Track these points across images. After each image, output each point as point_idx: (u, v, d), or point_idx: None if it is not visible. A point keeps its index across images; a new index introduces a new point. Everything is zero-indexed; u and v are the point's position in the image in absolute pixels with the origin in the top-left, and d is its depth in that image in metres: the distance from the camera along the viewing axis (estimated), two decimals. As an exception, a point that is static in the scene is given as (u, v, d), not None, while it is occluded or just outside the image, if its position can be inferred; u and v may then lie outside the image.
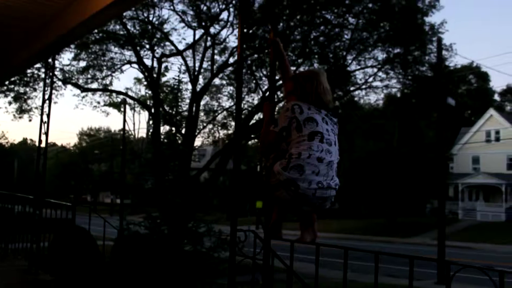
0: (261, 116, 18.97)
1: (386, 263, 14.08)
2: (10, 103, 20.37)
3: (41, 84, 17.33)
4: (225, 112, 22.79)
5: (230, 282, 3.48)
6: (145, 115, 71.09)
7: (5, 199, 8.33)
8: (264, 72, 18.25)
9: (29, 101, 20.47)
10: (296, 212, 2.84)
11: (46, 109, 6.35)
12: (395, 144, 34.56)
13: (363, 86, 20.24)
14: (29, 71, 18.12)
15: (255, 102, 20.07)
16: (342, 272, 2.99)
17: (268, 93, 3.63)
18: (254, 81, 18.84)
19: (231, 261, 3.41)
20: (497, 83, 79.64)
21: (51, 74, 6.77)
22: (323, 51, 17.91)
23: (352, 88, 19.79)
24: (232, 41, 19.74)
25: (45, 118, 6.27)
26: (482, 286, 2.50)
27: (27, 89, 19.96)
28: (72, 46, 17.71)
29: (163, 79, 23.60)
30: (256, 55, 17.64)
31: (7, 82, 18.49)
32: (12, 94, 20.11)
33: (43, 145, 6.30)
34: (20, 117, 20.98)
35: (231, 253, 3.40)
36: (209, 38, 18.80)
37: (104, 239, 6.72)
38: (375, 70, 19.49)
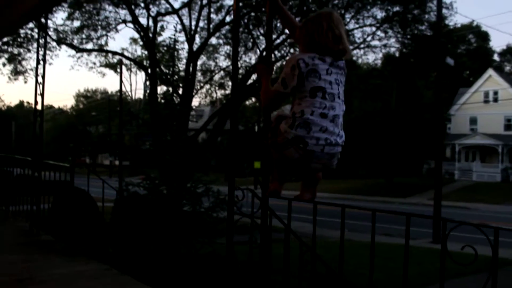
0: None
1: (382, 222, 14.31)
2: (4, 64, 20.16)
3: (35, 44, 17.07)
4: (222, 72, 22.61)
5: (228, 241, 3.52)
6: (141, 75, 70.62)
7: (3, 161, 8.35)
8: (261, 31, 17.98)
9: (23, 63, 20.24)
10: (303, 171, 2.80)
11: (40, 70, 6.27)
12: (392, 104, 34.50)
13: (362, 46, 20.00)
14: (22, 31, 17.82)
15: (252, 61, 19.88)
16: (340, 231, 3.02)
17: (265, 52, 3.56)
18: (251, 40, 18.59)
19: (229, 220, 3.44)
20: (497, 43, 78.81)
21: (44, 34, 6.65)
22: (320, 9, 17.57)
23: (350, 47, 19.53)
24: (229, -1, 19.34)
25: (40, 79, 6.20)
26: (477, 245, 2.55)
27: (21, 50, 19.68)
28: (65, 5, 17.35)
29: (159, 38, 23.27)
30: (253, 14, 17.33)
31: (0, 43, 18.23)
32: (6, 56, 19.85)
33: (39, 106, 6.26)
34: (15, 79, 20.81)
35: (229, 212, 3.43)
36: (205, -4, 18.42)
37: (104, 200, 6.77)
38: (374, 29, 19.20)
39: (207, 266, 6.29)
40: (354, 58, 21.06)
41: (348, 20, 18.44)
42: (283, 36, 17.76)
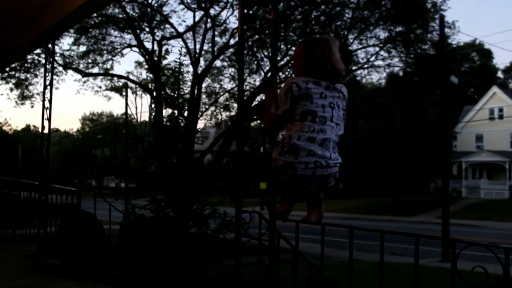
0: (263, 97, 18.88)
1: (390, 241, 14.19)
2: (11, 89, 20.37)
3: (42, 69, 17.27)
4: (227, 94, 22.76)
5: (236, 263, 3.50)
6: (147, 98, 70.89)
7: (10, 185, 8.38)
8: (265, 53, 18.15)
9: (30, 87, 20.47)
10: (302, 193, 2.81)
11: (47, 95, 6.34)
12: (398, 123, 34.48)
13: (365, 66, 20.13)
14: (29, 56, 18.06)
15: (257, 83, 20.01)
16: (348, 252, 3.00)
17: (270, 74, 3.60)
18: (255, 62, 18.74)
19: (236, 242, 3.43)
20: (501, 60, 79.04)
21: (51, 59, 6.74)
22: (324, 31, 17.74)
23: (354, 68, 19.68)
24: (233, 22, 19.64)
25: (47, 104, 6.27)
26: (487, 263, 2.51)
27: (28, 75, 19.92)
28: (72, 30, 17.61)
29: (164, 62, 23.47)
30: (257, 36, 17.51)
31: (7, 69, 18.45)
32: (13, 81, 20.08)
33: (46, 131, 6.31)
34: (22, 104, 21.01)
35: (236, 234, 3.42)
36: (209, 20, 18.66)
37: (110, 223, 6.76)
38: (377, 49, 19.36)
39: (214, 288, 6.24)
40: (358, 78, 21.22)
41: (351, 40, 18.62)
42: (287, 58, 17.91)
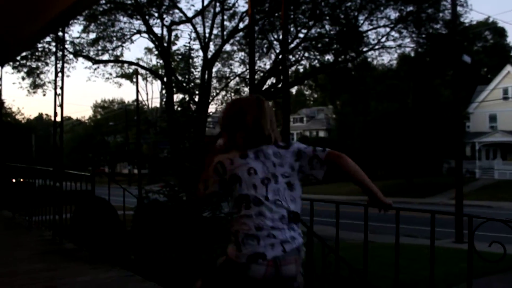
0: (274, 81, 18.81)
1: (404, 223, 14.16)
2: (23, 78, 20.49)
3: (53, 58, 17.36)
4: (237, 78, 22.72)
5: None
6: (157, 84, 71.01)
7: (26, 172, 8.49)
8: (275, 36, 18.03)
9: (42, 76, 20.59)
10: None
11: (59, 82, 6.37)
12: (410, 105, 34.20)
13: (376, 47, 19.87)
14: (40, 45, 18.14)
15: (267, 67, 19.93)
16: (361, 234, 3.00)
17: (280, 56, 3.57)
18: (266, 45, 18.64)
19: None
20: (514, 38, 77.52)
21: (61, 47, 6.76)
22: (334, 12, 17.56)
23: (364, 49, 19.46)
24: (241, 6, 19.59)
25: (58, 91, 6.30)
26: (503, 243, 2.49)
27: (39, 64, 20.02)
28: (81, 18, 17.63)
29: (174, 47, 23.47)
30: (266, 19, 17.39)
31: (19, 58, 18.55)
32: (25, 70, 20.19)
33: (58, 117, 6.35)
34: (34, 92, 21.15)
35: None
36: (218, 4, 18.56)
37: (124, 209, 6.82)
38: (388, 29, 19.11)
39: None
40: (369, 59, 20.97)
41: (361, 22, 18.41)
42: (297, 40, 17.79)
